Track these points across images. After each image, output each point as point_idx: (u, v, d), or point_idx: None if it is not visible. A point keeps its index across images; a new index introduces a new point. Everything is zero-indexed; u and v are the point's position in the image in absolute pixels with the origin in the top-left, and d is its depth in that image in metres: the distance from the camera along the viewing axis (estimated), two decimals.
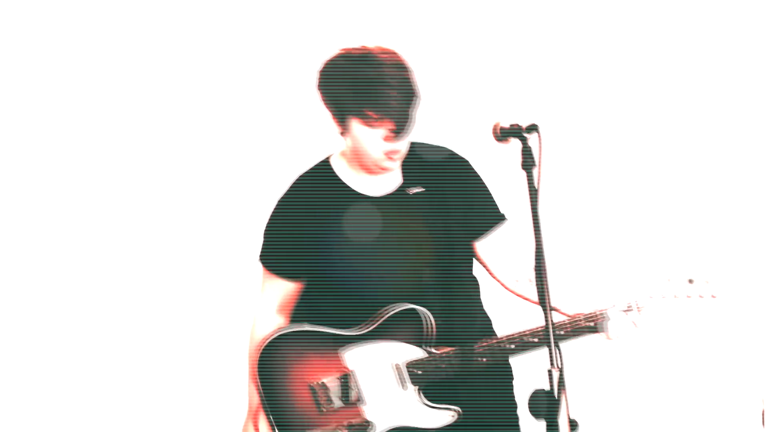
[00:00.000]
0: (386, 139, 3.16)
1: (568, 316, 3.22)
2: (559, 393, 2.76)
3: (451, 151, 3.39)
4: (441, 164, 3.33)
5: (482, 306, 3.46)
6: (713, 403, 4.80)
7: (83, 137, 4.87)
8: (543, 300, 2.86)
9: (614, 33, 4.82)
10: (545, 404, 2.77)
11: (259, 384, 3.34)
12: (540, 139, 2.93)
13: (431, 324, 3.24)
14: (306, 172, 3.40)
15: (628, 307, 3.18)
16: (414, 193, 3.31)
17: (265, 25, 4.85)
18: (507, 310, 3.51)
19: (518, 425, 3.40)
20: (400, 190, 3.32)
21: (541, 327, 3.18)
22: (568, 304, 3.25)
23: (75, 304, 4.86)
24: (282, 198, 3.39)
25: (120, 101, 4.87)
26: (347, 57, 3.18)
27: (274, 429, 3.34)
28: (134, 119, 4.88)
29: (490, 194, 3.39)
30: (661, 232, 4.78)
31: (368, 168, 3.29)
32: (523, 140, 2.94)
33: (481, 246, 3.37)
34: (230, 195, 4.86)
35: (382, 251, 3.28)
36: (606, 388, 4.79)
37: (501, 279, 3.39)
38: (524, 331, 3.22)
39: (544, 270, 2.87)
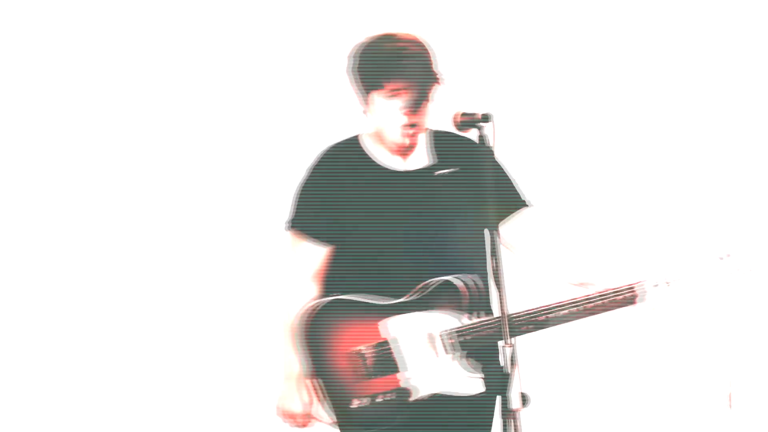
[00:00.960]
0: (402, 111, 3.35)
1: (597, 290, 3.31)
2: (511, 368, 2.89)
3: (474, 140, 3.54)
4: (470, 149, 3.42)
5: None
6: (670, 382, 4.82)
7: (88, 123, 4.91)
8: (498, 281, 2.99)
9: (572, 21, 4.88)
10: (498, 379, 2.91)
11: (307, 351, 3.45)
12: (494, 128, 3.07)
13: (469, 294, 3.35)
14: (334, 145, 3.57)
15: (657, 283, 3.27)
16: (439, 174, 3.46)
17: (293, 17, 4.94)
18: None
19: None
20: (428, 169, 3.48)
21: (567, 302, 3.29)
22: (597, 279, 3.35)
23: (78, 293, 4.89)
24: (313, 166, 3.54)
25: (139, 81, 4.91)
26: (372, 38, 3.43)
27: (325, 396, 3.45)
28: (152, 106, 4.92)
29: (512, 181, 3.53)
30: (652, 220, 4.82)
31: (389, 146, 3.46)
32: (479, 129, 3.08)
33: (504, 230, 3.49)
34: (246, 182, 4.92)
35: (406, 225, 3.42)
36: (559, 365, 4.83)
37: (529, 261, 3.51)
38: (543, 307, 3.32)
39: (498, 252, 3.01)
